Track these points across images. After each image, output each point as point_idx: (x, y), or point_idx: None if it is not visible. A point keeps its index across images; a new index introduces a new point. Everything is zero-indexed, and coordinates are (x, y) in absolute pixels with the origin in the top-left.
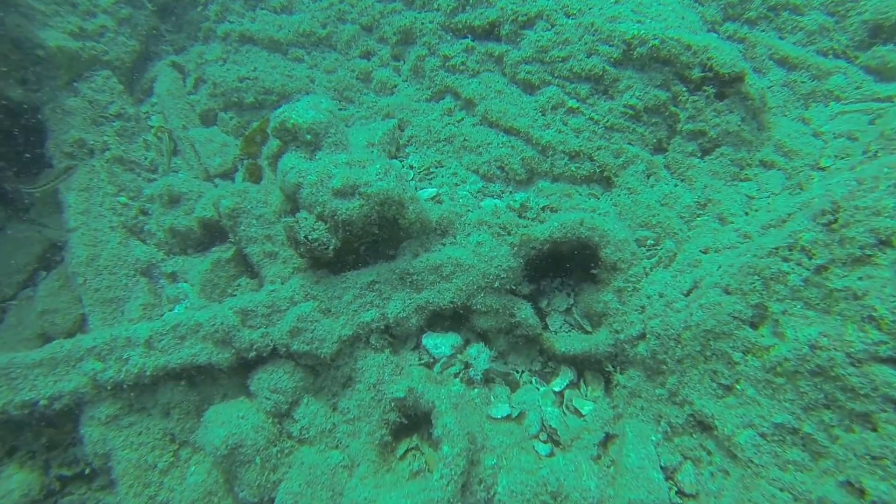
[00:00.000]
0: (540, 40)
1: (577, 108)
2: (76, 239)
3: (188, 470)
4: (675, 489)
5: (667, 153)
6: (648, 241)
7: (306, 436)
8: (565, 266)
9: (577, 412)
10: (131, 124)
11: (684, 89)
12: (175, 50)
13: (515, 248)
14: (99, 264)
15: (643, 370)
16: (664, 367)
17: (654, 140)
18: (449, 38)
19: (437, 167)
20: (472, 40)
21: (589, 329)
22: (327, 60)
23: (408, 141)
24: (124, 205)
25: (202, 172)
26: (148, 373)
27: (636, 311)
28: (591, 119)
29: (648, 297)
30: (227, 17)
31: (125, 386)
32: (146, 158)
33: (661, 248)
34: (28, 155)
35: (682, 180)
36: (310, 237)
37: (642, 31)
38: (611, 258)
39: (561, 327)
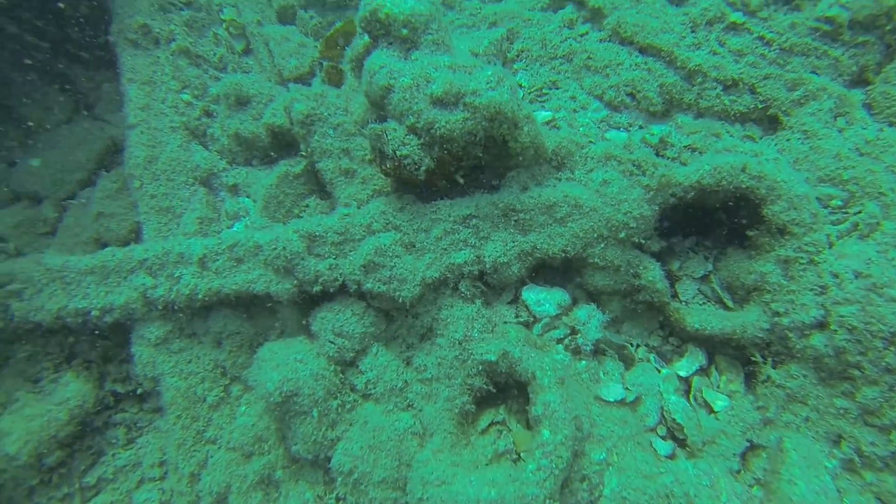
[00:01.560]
0: None
1: (743, 23)
2: (135, 137)
3: (238, 409)
4: None
5: (870, 87)
6: (834, 202)
7: (372, 391)
8: (707, 222)
9: (707, 406)
10: (202, 15)
11: None
12: None
13: (651, 193)
14: (157, 168)
15: (815, 370)
16: (856, 372)
17: (856, 68)
18: None
19: (551, 88)
20: None
21: (730, 305)
22: None
23: (517, 55)
24: (188, 103)
25: (275, 75)
26: (200, 295)
27: (812, 290)
28: (761, 38)
29: (836, 276)
30: None
31: (176, 307)
32: (215, 54)
33: (860, 212)
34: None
35: (892, 124)
36: (398, 152)
37: None
38: (780, 217)
39: (694, 297)
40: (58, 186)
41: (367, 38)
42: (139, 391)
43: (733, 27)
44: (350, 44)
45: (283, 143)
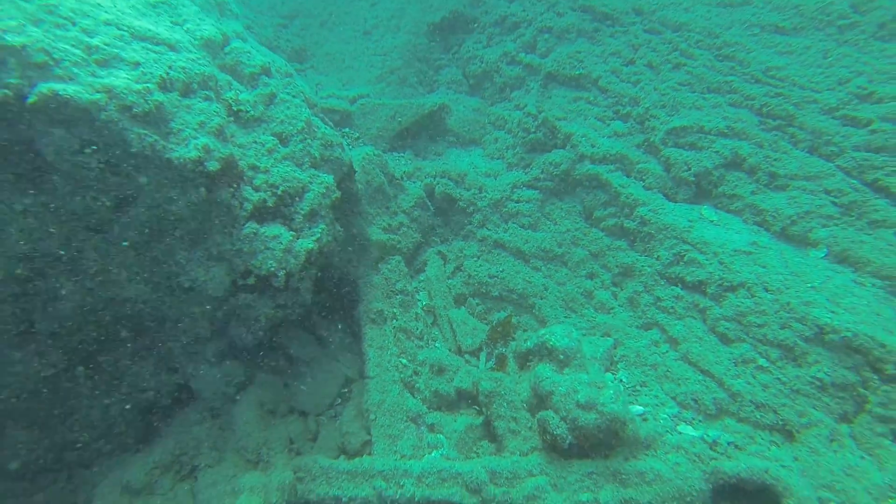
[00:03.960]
0: (740, 305)
1: (767, 367)
2: (372, 385)
3: None
4: None
5: (853, 424)
6: None
7: None
8: (744, 497)
9: None
10: (408, 298)
11: (876, 378)
12: (441, 241)
13: (707, 476)
14: (384, 407)
15: None
16: None
17: (840, 411)
18: (663, 283)
19: (641, 386)
20: (682, 289)
21: None
22: (559, 274)
23: (620, 358)
24: (404, 365)
25: (455, 346)
26: (416, 499)
27: None
28: (779, 379)
29: None
30: (486, 225)
31: (396, 502)
32: (417, 329)
33: None
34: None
35: (869, 455)
36: (554, 431)
37: (835, 322)
38: None
39: None
40: (317, 406)
41: (528, 345)
42: None
43: (761, 368)
44: (508, 333)
45: (467, 399)
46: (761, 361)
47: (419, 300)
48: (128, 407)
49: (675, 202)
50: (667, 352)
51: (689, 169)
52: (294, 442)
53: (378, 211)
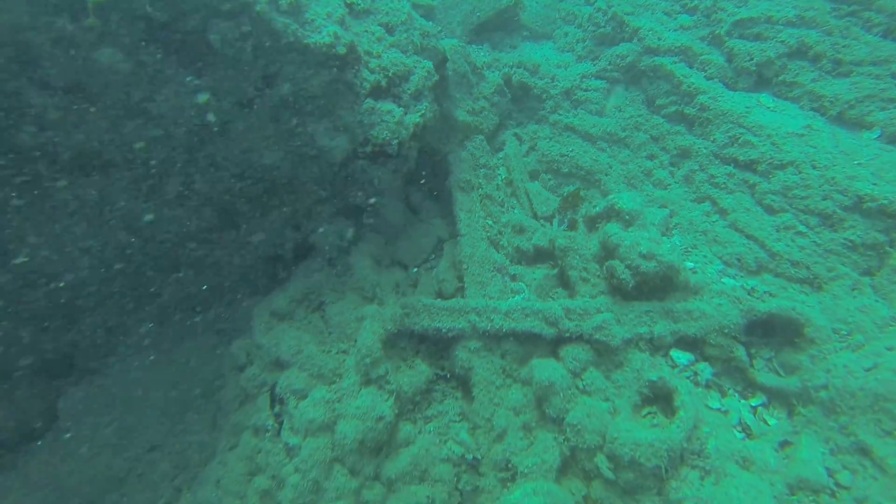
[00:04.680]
0: (787, 181)
1: (805, 232)
2: (464, 241)
3: (508, 392)
4: (834, 482)
5: (875, 277)
6: (842, 332)
7: (589, 390)
8: (772, 331)
9: (765, 422)
10: (490, 171)
11: None
12: (517, 124)
13: (743, 313)
14: (475, 259)
15: (821, 409)
16: (839, 409)
17: (865, 266)
18: (717, 162)
19: (692, 248)
20: (734, 168)
21: (782, 374)
22: (622, 155)
23: (674, 225)
24: (490, 226)
25: (532, 213)
26: (504, 329)
27: (823, 371)
28: (815, 242)
29: (834, 365)
30: (557, 111)
31: (487, 334)
32: (499, 197)
33: (853, 339)
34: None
35: (884, 299)
36: (620, 277)
37: (875, 192)
38: (811, 335)
39: (762, 368)
40: (416, 259)
41: (598, 209)
42: (448, 376)
43: (799, 233)
44: (577, 204)
45: (544, 255)
46: (801, 228)
47: (499, 174)
48: (259, 258)
49: (735, 91)
50: (716, 221)
51: (752, 59)
52: (399, 286)
53: (463, 96)
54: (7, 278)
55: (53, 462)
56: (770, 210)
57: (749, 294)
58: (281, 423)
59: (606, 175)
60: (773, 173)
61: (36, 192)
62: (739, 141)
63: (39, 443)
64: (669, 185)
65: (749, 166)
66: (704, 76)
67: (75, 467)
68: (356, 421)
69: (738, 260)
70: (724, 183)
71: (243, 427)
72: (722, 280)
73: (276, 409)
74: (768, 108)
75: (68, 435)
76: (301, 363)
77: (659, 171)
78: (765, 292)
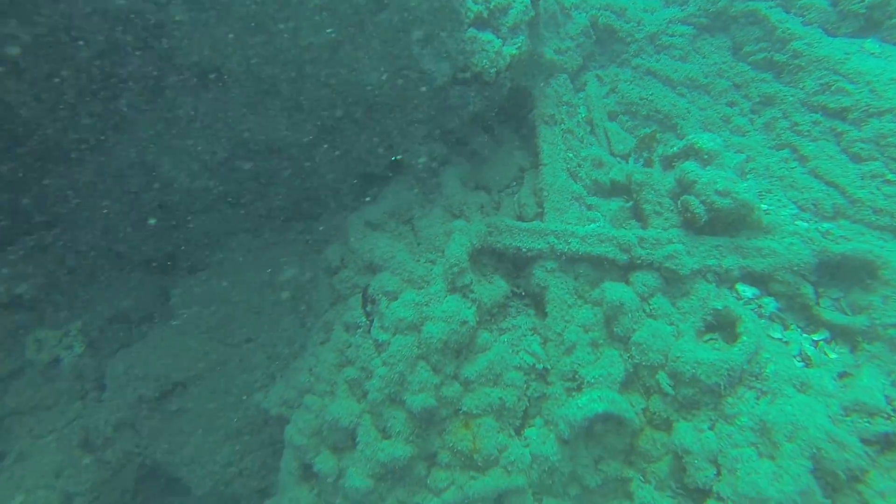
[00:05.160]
0: (883, 129)
1: (894, 181)
2: (545, 170)
3: (579, 311)
4: (892, 408)
5: None
6: None
7: (655, 314)
8: (842, 274)
9: (826, 354)
10: (572, 109)
11: None
12: (599, 66)
13: (816, 253)
14: (555, 187)
15: (888, 345)
16: None
17: None
18: (803, 110)
19: (767, 192)
20: (822, 115)
21: (849, 313)
22: (701, 101)
23: (750, 170)
24: (570, 158)
25: (609, 150)
26: (580, 252)
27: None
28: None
29: None
30: (640, 55)
31: (564, 256)
32: (579, 133)
33: None
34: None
35: None
36: (694, 211)
37: None
38: (886, 276)
39: (828, 307)
40: (498, 185)
41: (675, 149)
42: (523, 293)
43: (887, 181)
44: (653, 145)
45: (620, 190)
46: (890, 176)
47: (580, 112)
48: (353, 174)
49: (835, 37)
50: (795, 167)
51: (863, 0)
52: (483, 207)
53: (551, 34)
54: (128, 179)
55: (169, 340)
56: (856, 158)
57: (823, 236)
58: (371, 322)
59: (684, 120)
60: (867, 121)
61: (159, 100)
62: (832, 88)
63: (155, 323)
64: (748, 132)
65: (839, 114)
66: (802, 21)
67: (187, 347)
68: (442, 323)
69: (814, 205)
70: (808, 131)
71: (334, 324)
72: (795, 223)
73: (368, 308)
74: (872, 53)
75: (177, 322)
76: (393, 268)
77: (738, 118)
78: (840, 236)
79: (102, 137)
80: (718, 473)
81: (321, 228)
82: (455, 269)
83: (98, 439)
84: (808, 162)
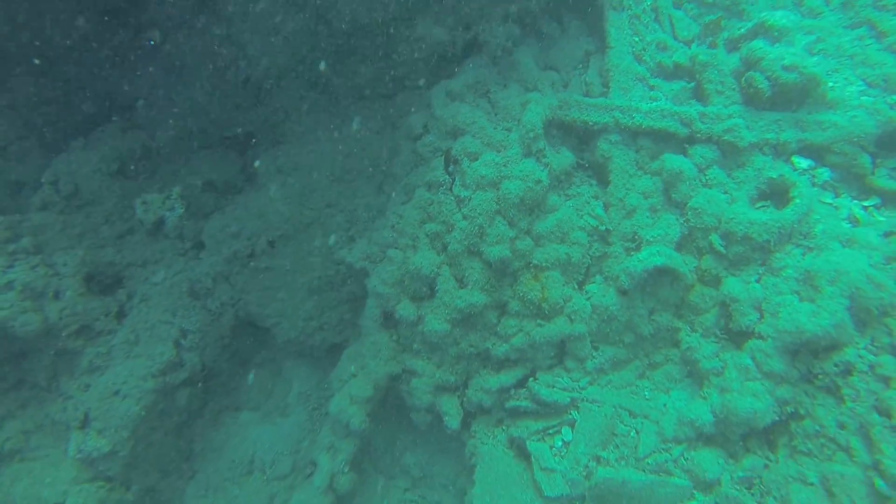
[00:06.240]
0: None
1: None
2: (612, 52)
3: (639, 180)
4: None
5: None
6: None
7: (711, 184)
8: None
9: (874, 217)
10: None
11: None
12: None
13: (880, 123)
14: (620, 68)
15: None
16: None
17: None
18: None
19: (834, 71)
20: None
21: None
22: None
23: (818, 51)
24: (636, 42)
25: (673, 37)
26: (643, 126)
27: None
28: None
29: None
30: None
31: (627, 129)
32: (645, 18)
33: None
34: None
35: None
36: (758, 86)
37: None
38: None
39: (884, 176)
40: (566, 66)
41: (742, 31)
42: (587, 165)
43: None
44: (717, 29)
45: (682, 72)
46: None
47: (646, 1)
48: (431, 54)
49: None
50: (870, 44)
51: None
52: (554, 84)
53: None
54: (216, 57)
55: (257, 202)
56: None
57: (891, 108)
58: (454, 180)
59: (752, 4)
60: None
61: None
62: None
63: (241, 191)
64: (821, 13)
65: None
66: None
67: (273, 209)
68: (519, 181)
69: (885, 80)
70: (892, 5)
71: (416, 186)
72: (860, 98)
73: (451, 168)
74: None
75: (264, 188)
76: (474, 132)
77: (811, 0)
78: None
79: (190, 16)
80: (761, 318)
81: (399, 104)
82: (531, 135)
83: (201, 290)
84: (887, 38)
